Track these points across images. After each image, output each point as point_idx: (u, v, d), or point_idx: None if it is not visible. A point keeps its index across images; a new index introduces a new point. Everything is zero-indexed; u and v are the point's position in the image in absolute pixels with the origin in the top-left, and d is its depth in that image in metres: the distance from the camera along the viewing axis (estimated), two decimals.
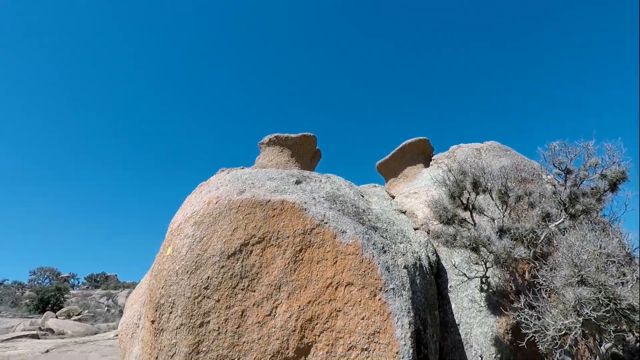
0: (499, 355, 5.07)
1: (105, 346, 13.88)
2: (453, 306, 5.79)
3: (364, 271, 4.95)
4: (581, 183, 4.61)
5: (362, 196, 7.16)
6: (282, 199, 5.52)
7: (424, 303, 5.30)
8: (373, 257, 5.05)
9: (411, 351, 4.57)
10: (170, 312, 4.94)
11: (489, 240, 4.26)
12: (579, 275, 3.00)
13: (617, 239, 3.43)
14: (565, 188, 4.55)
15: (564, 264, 3.17)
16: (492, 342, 5.15)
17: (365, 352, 4.62)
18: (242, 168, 8.10)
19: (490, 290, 5.25)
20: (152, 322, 5.05)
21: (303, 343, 4.71)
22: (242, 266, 5.04)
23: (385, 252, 5.23)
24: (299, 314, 4.80)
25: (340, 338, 4.72)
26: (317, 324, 4.78)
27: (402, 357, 4.52)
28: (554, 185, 4.83)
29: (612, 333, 2.94)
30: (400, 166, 11.74)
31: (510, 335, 5.12)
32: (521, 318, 3.73)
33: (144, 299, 7.21)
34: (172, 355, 4.73)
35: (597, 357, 4.02)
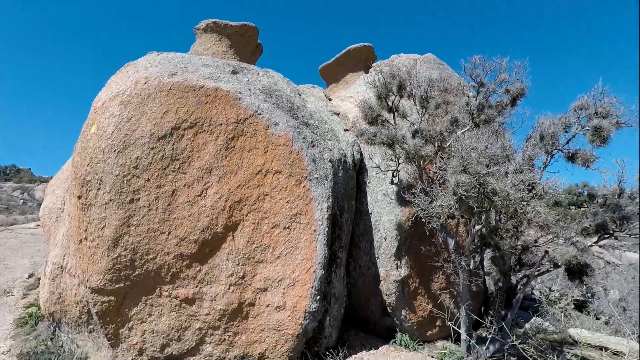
0: (399, 237, 6.10)
1: (26, 234, 13.59)
2: (369, 198, 6.61)
3: (292, 161, 5.34)
4: (489, 96, 5.21)
5: (300, 95, 7.25)
6: (217, 86, 5.43)
7: (343, 193, 5.98)
8: (302, 149, 5.42)
9: (326, 230, 5.31)
10: (98, 189, 4.99)
11: (403, 138, 4.81)
12: (463, 165, 3.67)
13: (501, 143, 4.15)
14: (476, 100, 5.13)
15: (454, 157, 3.82)
16: (395, 227, 6.14)
17: (287, 230, 5.26)
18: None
19: (401, 185, 6.07)
20: (79, 197, 5.09)
21: (231, 221, 5.18)
22: (172, 149, 5.11)
23: (313, 146, 5.62)
24: (229, 196, 5.17)
25: (266, 218, 5.26)
26: (245, 205, 5.23)
27: (319, 234, 5.26)
28: (468, 97, 5.39)
29: (479, 213, 3.78)
30: (342, 71, 11.77)
31: (410, 222, 6.11)
32: (416, 201, 4.51)
33: (66, 185, 7.02)
34: (102, 227, 4.94)
35: (469, 235, 5.09)
